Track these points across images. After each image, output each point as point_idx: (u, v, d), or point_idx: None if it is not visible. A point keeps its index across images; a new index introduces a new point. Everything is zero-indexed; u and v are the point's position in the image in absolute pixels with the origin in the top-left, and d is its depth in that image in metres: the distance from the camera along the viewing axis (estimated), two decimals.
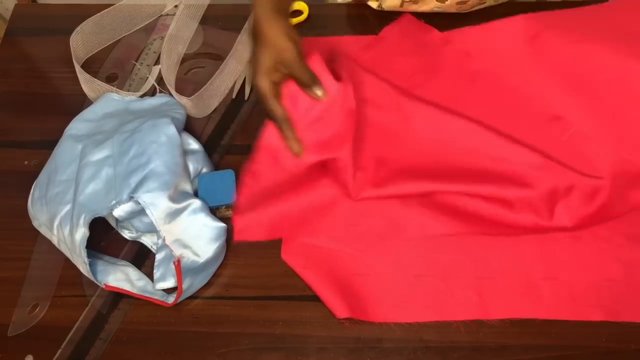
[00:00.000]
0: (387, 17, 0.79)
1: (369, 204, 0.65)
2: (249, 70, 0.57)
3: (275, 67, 0.56)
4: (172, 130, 0.63)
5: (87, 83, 0.75)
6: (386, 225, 0.65)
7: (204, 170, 0.67)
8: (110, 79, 0.78)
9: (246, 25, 0.79)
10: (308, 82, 0.56)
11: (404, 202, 0.66)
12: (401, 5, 0.76)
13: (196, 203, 0.62)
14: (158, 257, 0.63)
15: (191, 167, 0.65)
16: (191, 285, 0.62)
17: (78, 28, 0.77)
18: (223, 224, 0.63)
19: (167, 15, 0.83)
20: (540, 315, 0.60)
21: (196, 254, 0.61)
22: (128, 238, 0.67)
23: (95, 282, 0.62)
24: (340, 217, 0.66)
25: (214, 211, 0.64)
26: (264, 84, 0.56)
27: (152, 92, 0.76)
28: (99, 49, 0.80)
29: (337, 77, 0.59)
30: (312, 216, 0.65)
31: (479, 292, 0.61)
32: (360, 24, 0.80)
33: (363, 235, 0.65)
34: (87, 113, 0.70)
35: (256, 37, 0.57)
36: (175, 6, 0.82)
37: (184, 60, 0.79)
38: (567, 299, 0.61)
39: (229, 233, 0.64)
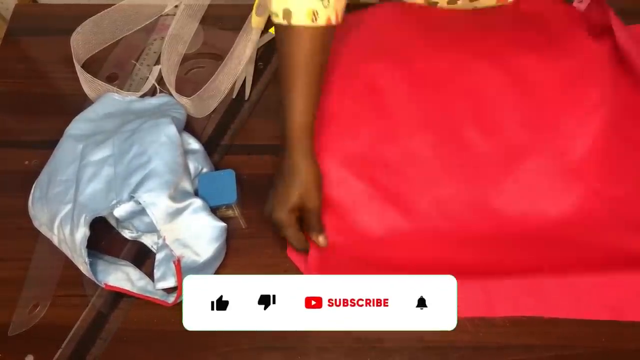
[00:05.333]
0: None
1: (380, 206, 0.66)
2: (271, 199, 0.62)
3: (298, 207, 0.60)
4: (172, 130, 0.63)
5: (88, 83, 0.75)
6: (394, 226, 0.65)
7: (205, 170, 0.67)
8: (110, 79, 0.78)
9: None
10: (316, 230, 0.62)
11: (416, 205, 0.66)
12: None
13: (197, 202, 0.62)
14: (158, 256, 0.63)
15: (191, 167, 0.66)
16: None
17: (78, 28, 0.77)
18: (223, 224, 0.63)
19: (167, 15, 0.83)
20: (546, 314, 0.60)
21: (196, 254, 0.61)
22: (128, 238, 0.67)
23: (96, 281, 0.62)
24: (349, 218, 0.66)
25: (214, 211, 0.64)
26: (284, 216, 0.60)
27: (152, 92, 0.76)
28: (99, 49, 0.80)
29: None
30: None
31: (485, 290, 0.61)
32: None
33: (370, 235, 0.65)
34: (88, 113, 0.70)
35: (289, 174, 0.60)
36: (176, 6, 0.82)
37: (184, 60, 0.79)
38: (572, 298, 0.60)
39: (229, 232, 0.64)
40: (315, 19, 0.56)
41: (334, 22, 0.58)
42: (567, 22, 0.72)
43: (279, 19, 0.57)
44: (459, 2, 0.77)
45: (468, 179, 0.66)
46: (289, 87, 0.58)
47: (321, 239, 0.62)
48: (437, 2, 0.76)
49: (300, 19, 0.56)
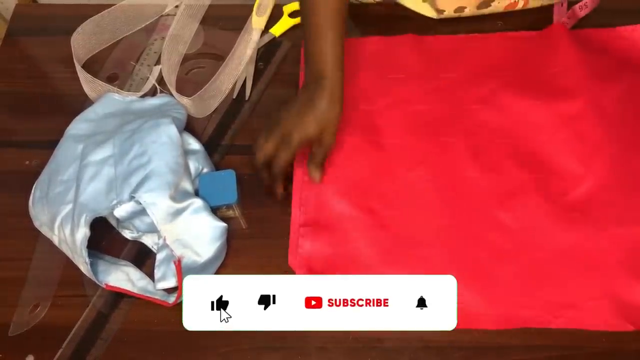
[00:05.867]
0: (385, 17, 0.79)
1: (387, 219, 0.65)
2: (291, 111, 0.62)
3: (312, 138, 0.61)
4: (172, 130, 0.63)
5: (88, 83, 0.75)
6: (395, 244, 0.64)
7: (205, 170, 0.67)
8: (111, 79, 0.78)
9: (255, 36, 0.79)
10: (317, 162, 0.64)
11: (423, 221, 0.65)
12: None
13: (197, 202, 0.62)
14: (159, 257, 0.63)
15: (192, 167, 0.66)
16: None
17: (79, 28, 0.77)
18: (224, 224, 0.63)
19: (168, 15, 0.83)
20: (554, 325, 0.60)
21: (197, 254, 0.61)
22: (129, 238, 0.67)
23: (96, 282, 0.62)
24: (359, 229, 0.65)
25: (214, 211, 0.64)
26: (298, 138, 0.61)
27: (152, 92, 0.76)
28: (99, 49, 0.80)
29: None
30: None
31: (489, 303, 0.61)
32: (362, 24, 0.80)
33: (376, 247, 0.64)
34: (88, 113, 0.70)
35: (318, 99, 0.61)
36: (176, 6, 0.82)
37: (184, 60, 0.79)
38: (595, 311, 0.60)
39: (230, 233, 0.64)
40: None
41: None
42: (577, 58, 0.72)
43: None
44: (466, 10, 0.77)
45: (465, 211, 0.65)
46: (316, 30, 0.61)
47: (317, 174, 0.64)
48: (444, 10, 0.76)
49: None
